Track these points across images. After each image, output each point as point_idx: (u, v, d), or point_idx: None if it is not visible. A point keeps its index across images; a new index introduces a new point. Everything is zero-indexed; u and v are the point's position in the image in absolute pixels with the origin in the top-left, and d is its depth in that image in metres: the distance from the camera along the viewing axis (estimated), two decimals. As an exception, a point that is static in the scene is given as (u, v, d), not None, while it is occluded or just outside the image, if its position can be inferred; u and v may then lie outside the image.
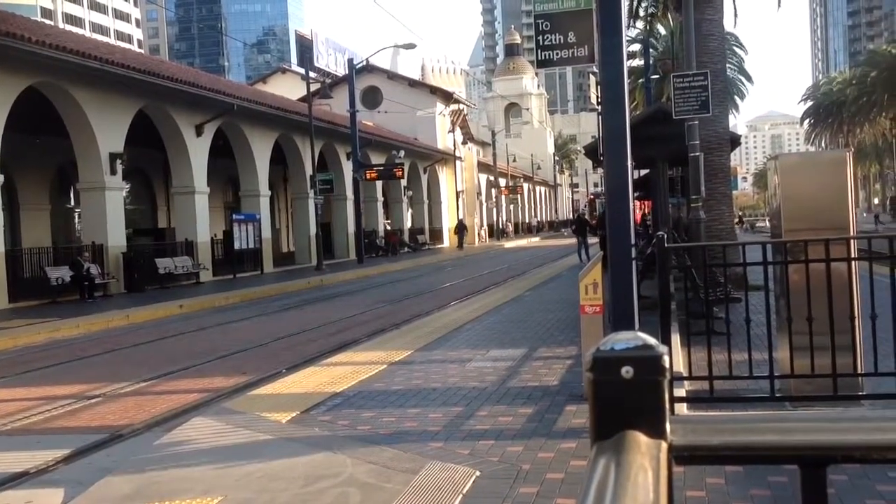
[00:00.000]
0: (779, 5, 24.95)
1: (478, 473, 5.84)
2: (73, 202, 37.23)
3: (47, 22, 77.18)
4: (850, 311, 6.93)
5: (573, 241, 38.46)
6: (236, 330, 17.23)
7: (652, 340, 1.03)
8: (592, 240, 32.40)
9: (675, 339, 9.12)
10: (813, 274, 6.68)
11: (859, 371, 6.96)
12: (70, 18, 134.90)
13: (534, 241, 68.20)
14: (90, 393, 10.65)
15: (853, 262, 7.04)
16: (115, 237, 26.69)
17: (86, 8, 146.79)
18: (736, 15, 23.31)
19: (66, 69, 23.36)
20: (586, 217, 35.03)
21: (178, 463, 6.75)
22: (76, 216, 36.46)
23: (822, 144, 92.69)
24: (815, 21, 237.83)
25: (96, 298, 24.68)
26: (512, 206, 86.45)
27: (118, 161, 26.46)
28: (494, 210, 76.47)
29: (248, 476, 6.19)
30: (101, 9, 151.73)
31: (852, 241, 7.14)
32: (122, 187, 27.87)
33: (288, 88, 54.11)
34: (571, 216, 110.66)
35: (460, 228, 57.56)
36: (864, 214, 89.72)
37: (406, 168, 46.93)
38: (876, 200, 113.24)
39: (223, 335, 16.43)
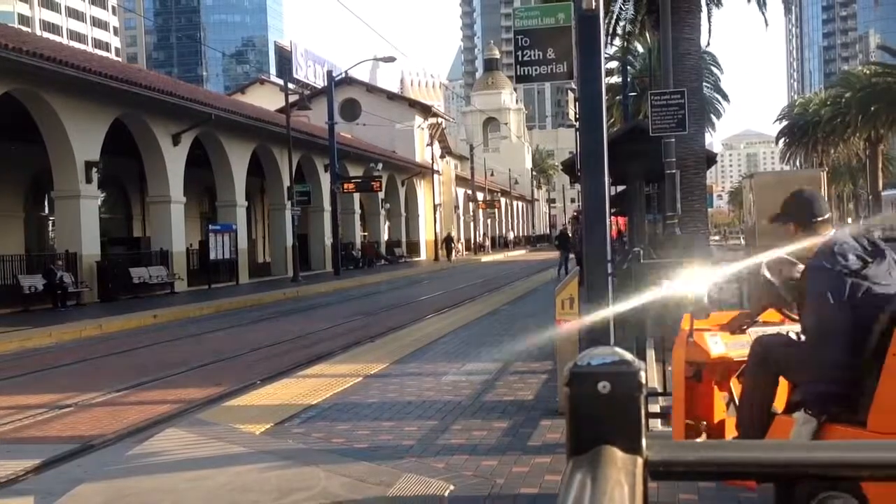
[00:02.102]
0: (766, 24, 25.21)
1: (452, 487, 5.83)
2: (47, 210, 36.91)
3: (25, 29, 76.78)
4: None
5: (550, 255, 38.59)
6: (210, 340, 17.12)
7: (628, 356, 1.04)
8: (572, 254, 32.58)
9: (651, 354, 9.15)
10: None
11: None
12: (48, 26, 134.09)
13: (511, 255, 68.31)
14: (62, 402, 10.55)
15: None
16: (90, 246, 26.49)
17: (63, 15, 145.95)
18: (710, 34, 23.56)
19: (42, 76, 23.19)
20: (569, 232, 35.17)
21: (150, 474, 6.69)
22: (50, 224, 36.15)
23: (797, 163, 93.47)
24: (791, 42, 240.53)
25: (69, 307, 24.46)
26: (489, 221, 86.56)
27: (94, 169, 26.29)
28: (472, 224, 76.53)
29: (220, 488, 6.14)
30: (79, 16, 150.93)
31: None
32: (97, 196, 27.68)
33: (266, 99, 53.98)
34: (549, 231, 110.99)
35: (447, 241, 58.18)
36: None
37: (384, 181, 46.93)
38: (849, 219, 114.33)
39: (197, 346, 16.33)
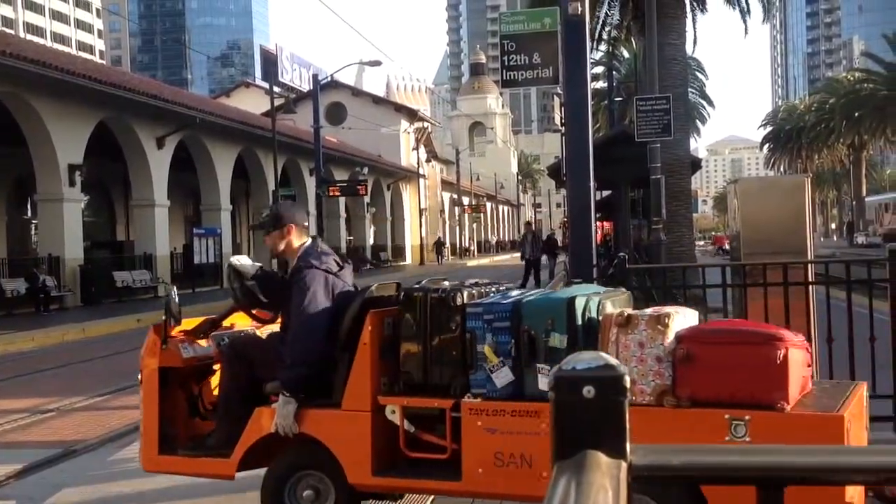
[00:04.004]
0: (745, 32, 25.39)
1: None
2: (30, 213, 36.71)
3: (8, 31, 76.38)
4: (806, 335, 7.01)
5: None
6: (195, 345, 17.01)
7: (613, 361, 1.04)
8: (560, 258, 32.52)
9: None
10: (771, 297, 6.76)
11: (815, 393, 7.03)
12: (31, 28, 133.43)
13: (497, 259, 68.32)
14: (44, 407, 10.48)
15: (810, 286, 7.14)
16: (73, 249, 26.34)
17: (47, 18, 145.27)
18: (695, 40, 23.64)
19: (25, 78, 23.04)
20: (556, 238, 35.25)
21: (132, 480, 6.65)
22: (33, 227, 35.96)
23: (781, 169, 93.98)
24: (776, 48, 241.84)
25: (52, 311, 24.31)
26: (475, 225, 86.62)
27: (77, 173, 26.14)
28: (458, 228, 76.54)
29: (204, 493, 6.10)
30: (63, 19, 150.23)
31: (810, 266, 7.24)
32: (80, 199, 27.54)
33: (251, 103, 53.83)
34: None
35: (438, 245, 59.35)
36: (822, 239, 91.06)
37: (369, 185, 46.85)
38: (833, 225, 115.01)
39: (181, 350, 16.24)
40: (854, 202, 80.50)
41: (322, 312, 4.96)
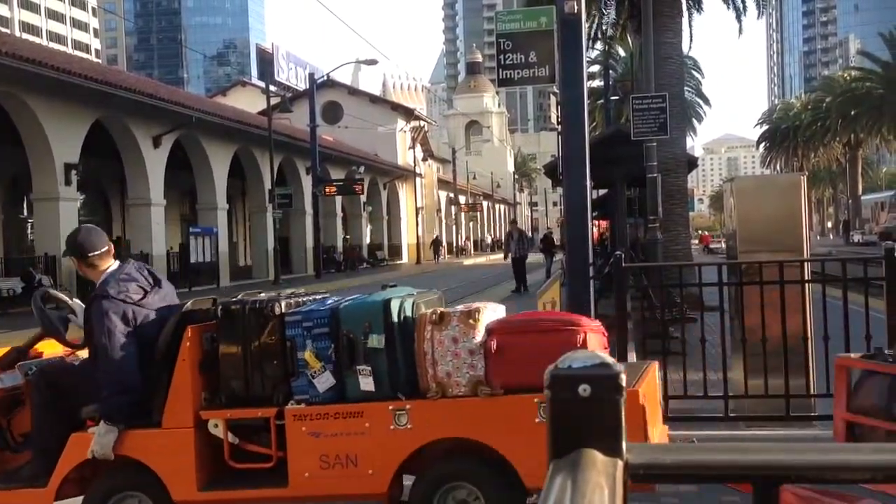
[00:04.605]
0: (740, 32, 25.35)
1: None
2: (26, 212, 36.66)
3: (3, 30, 76.21)
4: (803, 333, 7.02)
5: (532, 259, 38.48)
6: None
7: (609, 359, 1.04)
8: (557, 256, 32.45)
9: (632, 358, 9.16)
10: (767, 295, 6.77)
11: (812, 392, 7.06)
12: (27, 27, 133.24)
13: (493, 258, 68.34)
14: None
15: (806, 285, 7.15)
16: (69, 248, 26.28)
17: (43, 17, 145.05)
18: (691, 39, 23.62)
19: (21, 78, 23.01)
20: (553, 236, 35.23)
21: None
22: (29, 227, 35.90)
23: (778, 168, 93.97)
24: (772, 47, 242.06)
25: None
26: (471, 224, 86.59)
27: (73, 172, 26.11)
28: (454, 227, 76.53)
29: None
30: (59, 18, 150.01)
31: (806, 264, 7.25)
32: (76, 198, 27.50)
33: (248, 102, 53.80)
34: (531, 234, 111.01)
35: (436, 243, 60.30)
36: (818, 237, 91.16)
37: (366, 184, 46.84)
38: (829, 224, 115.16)
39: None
40: (850, 200, 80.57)
41: (122, 341, 4.90)
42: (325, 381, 4.79)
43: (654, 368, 5.25)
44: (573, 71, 8.18)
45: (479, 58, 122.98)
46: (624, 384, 1.01)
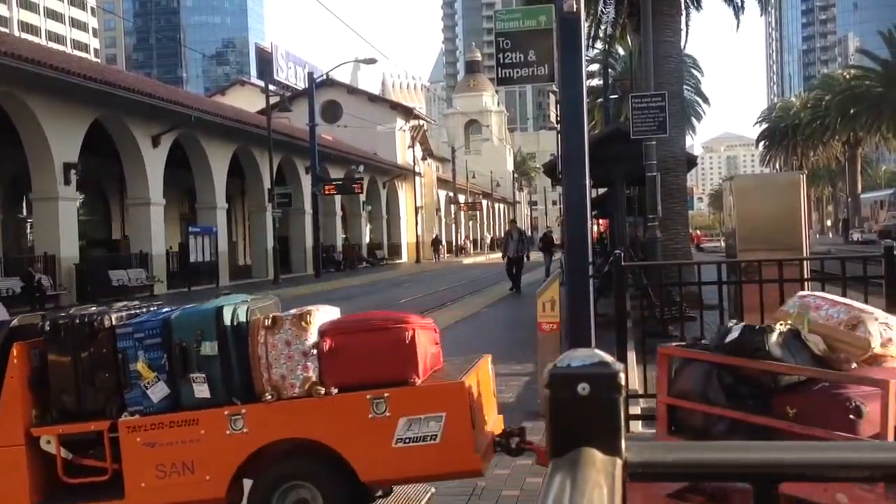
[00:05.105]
0: (737, 26, 25.35)
1: (433, 490, 5.82)
2: (25, 212, 36.65)
3: (2, 30, 76.20)
4: (802, 331, 7.01)
5: (532, 257, 38.49)
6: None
7: (608, 358, 1.04)
8: (557, 255, 32.43)
9: (631, 356, 9.17)
10: (767, 294, 6.77)
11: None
12: (26, 27, 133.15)
13: (493, 257, 68.34)
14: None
15: (806, 283, 7.15)
16: (68, 248, 26.31)
17: (42, 17, 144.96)
18: (686, 37, 23.60)
19: (20, 77, 23.00)
20: (552, 235, 35.22)
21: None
22: (28, 226, 35.89)
23: (777, 166, 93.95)
24: (771, 45, 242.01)
25: (47, 310, 24.25)
26: (471, 223, 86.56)
27: (72, 171, 26.10)
28: (453, 226, 76.52)
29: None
30: (58, 17, 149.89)
31: (805, 262, 7.26)
32: (75, 198, 27.49)
33: (247, 101, 53.79)
34: (530, 233, 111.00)
35: (436, 242, 61.46)
36: (818, 236, 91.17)
37: (365, 183, 46.84)
38: (829, 222, 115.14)
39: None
40: (849, 199, 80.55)
41: None
42: (158, 392, 4.84)
43: (487, 361, 5.48)
44: (572, 70, 8.18)
45: (479, 57, 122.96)
46: (623, 382, 1.01)
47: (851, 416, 4.09)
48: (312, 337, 4.75)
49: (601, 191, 27.36)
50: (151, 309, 5.30)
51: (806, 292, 4.94)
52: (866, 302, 6.58)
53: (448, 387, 4.74)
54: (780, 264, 6.80)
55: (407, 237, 62.07)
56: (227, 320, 4.84)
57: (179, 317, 4.93)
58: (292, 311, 4.90)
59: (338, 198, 47.83)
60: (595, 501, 0.88)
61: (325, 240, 44.39)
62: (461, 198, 75.39)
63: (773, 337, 4.35)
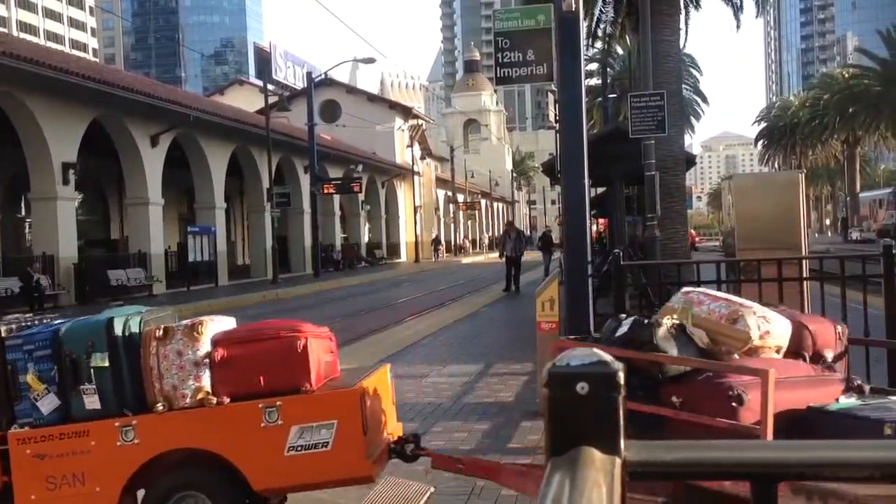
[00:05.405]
0: (738, 26, 25.34)
1: (432, 489, 5.82)
2: (24, 212, 36.65)
3: (1, 30, 76.19)
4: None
5: (531, 257, 38.52)
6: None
7: (607, 357, 1.03)
8: (556, 254, 32.44)
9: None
10: (766, 293, 6.77)
11: (810, 389, 7.04)
12: (24, 27, 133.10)
13: (491, 256, 68.37)
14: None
15: (805, 282, 7.14)
16: (67, 248, 26.30)
17: (41, 16, 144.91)
18: (686, 36, 23.62)
19: (18, 77, 22.99)
20: (552, 235, 35.27)
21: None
22: (27, 226, 35.89)
23: (776, 165, 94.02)
24: (770, 44, 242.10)
25: (46, 310, 24.26)
26: (470, 222, 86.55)
27: (71, 171, 26.10)
28: (452, 225, 76.52)
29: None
30: (57, 17, 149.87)
31: (804, 261, 7.25)
32: (74, 198, 27.48)
33: (245, 100, 53.79)
34: (529, 233, 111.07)
35: (436, 242, 62.44)
36: (816, 235, 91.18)
37: (364, 182, 46.85)
38: (827, 221, 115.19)
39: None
40: (848, 198, 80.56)
41: None
42: (49, 403, 4.84)
43: (385, 370, 5.58)
44: (571, 69, 8.18)
45: (477, 56, 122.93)
46: (622, 381, 1.01)
47: (734, 404, 4.28)
48: (204, 347, 4.78)
49: (600, 190, 27.37)
50: (45, 321, 5.30)
51: (689, 288, 5.18)
52: (865, 302, 6.59)
53: (340, 395, 4.82)
54: (779, 263, 6.80)
55: (406, 237, 62.07)
56: (119, 331, 4.85)
57: (70, 328, 4.93)
58: (184, 322, 4.92)
59: (336, 197, 47.83)
60: (594, 501, 0.88)
61: (323, 239, 44.38)
62: (460, 197, 75.40)
63: (661, 331, 4.57)
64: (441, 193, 73.07)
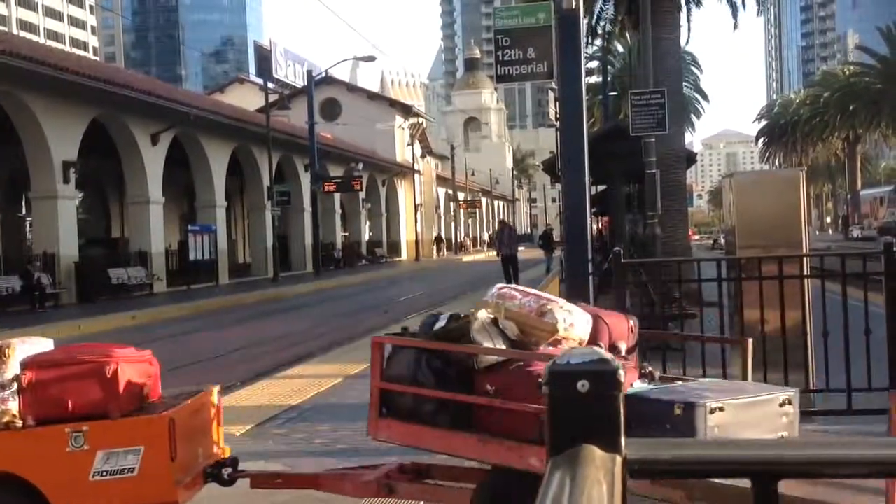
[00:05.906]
0: (735, 26, 25.32)
1: (433, 488, 5.81)
2: (24, 211, 36.64)
3: (1, 28, 76.17)
4: (802, 328, 7.02)
5: (532, 255, 38.59)
6: (189, 342, 17.03)
7: (607, 355, 1.04)
8: (557, 252, 32.43)
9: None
10: (766, 291, 6.77)
11: (811, 387, 7.06)
12: (25, 25, 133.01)
13: (492, 254, 68.36)
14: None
15: (805, 280, 7.14)
16: (67, 247, 26.30)
17: (41, 15, 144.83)
18: (689, 34, 23.59)
19: (19, 76, 22.98)
20: (553, 232, 35.32)
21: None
22: (28, 225, 35.89)
23: (776, 163, 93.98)
24: (770, 42, 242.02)
25: (47, 308, 24.27)
26: (470, 220, 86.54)
27: (71, 170, 26.09)
28: (453, 224, 76.51)
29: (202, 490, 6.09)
30: (57, 15, 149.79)
31: (805, 259, 7.25)
32: (74, 196, 27.50)
33: (246, 99, 53.76)
34: (529, 231, 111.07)
35: (438, 240, 63.39)
36: (817, 233, 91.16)
37: (364, 181, 46.84)
38: (828, 219, 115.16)
39: (176, 347, 16.24)
40: (849, 196, 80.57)
41: None
42: None
43: (212, 392, 5.51)
44: (572, 67, 8.18)
45: (478, 54, 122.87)
46: (623, 380, 1.01)
47: (542, 390, 4.29)
48: (12, 370, 4.78)
49: (601, 188, 27.33)
50: None
51: (503, 284, 5.40)
52: (866, 299, 6.59)
53: (146, 421, 4.84)
54: (780, 261, 6.80)
55: (406, 235, 62.06)
56: None
57: None
58: None
59: (337, 195, 47.81)
60: (594, 498, 0.88)
61: (324, 237, 44.39)
62: (460, 195, 75.40)
63: (476, 324, 4.79)
64: (441, 192, 73.06)
